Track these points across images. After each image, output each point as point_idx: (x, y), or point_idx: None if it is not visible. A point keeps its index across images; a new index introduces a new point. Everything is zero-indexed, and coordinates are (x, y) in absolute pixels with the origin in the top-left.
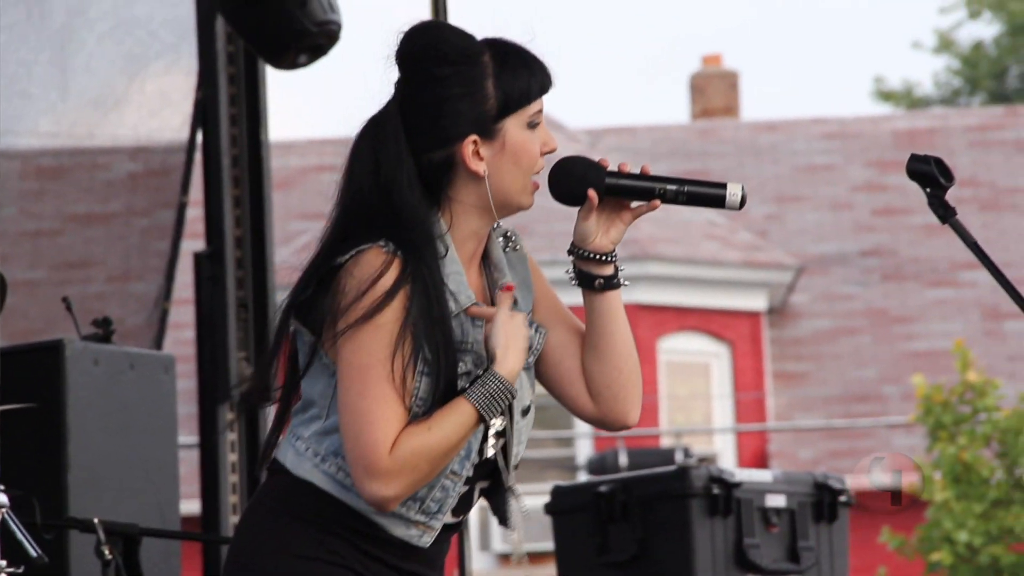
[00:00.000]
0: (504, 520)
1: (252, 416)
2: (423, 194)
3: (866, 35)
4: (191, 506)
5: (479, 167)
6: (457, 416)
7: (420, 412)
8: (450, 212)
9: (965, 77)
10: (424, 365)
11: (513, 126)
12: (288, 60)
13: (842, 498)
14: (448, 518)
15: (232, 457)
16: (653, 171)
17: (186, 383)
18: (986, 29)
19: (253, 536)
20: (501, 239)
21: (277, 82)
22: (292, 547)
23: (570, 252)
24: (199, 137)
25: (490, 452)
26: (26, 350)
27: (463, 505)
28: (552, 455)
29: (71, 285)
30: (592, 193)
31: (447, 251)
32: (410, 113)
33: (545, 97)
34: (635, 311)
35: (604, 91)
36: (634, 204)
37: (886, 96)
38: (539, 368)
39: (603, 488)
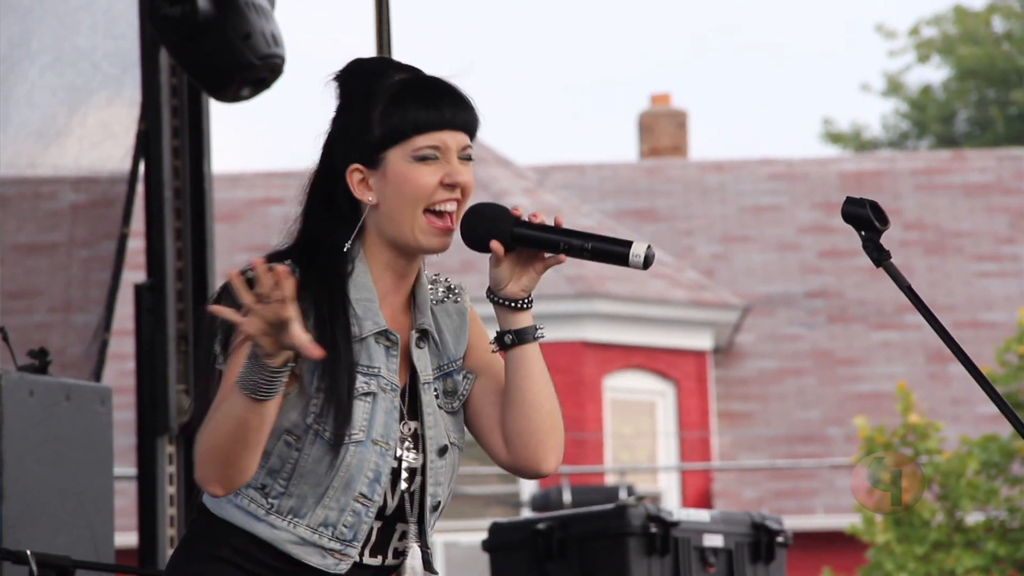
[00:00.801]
0: (426, 565)
1: (190, 448)
2: (341, 220)
3: (815, 77)
4: (130, 538)
5: (365, 196)
6: (231, 392)
7: (320, 428)
8: (366, 240)
9: (913, 120)
10: (319, 381)
11: (396, 157)
12: (231, 93)
13: (779, 538)
14: (368, 558)
15: (170, 490)
16: (597, 211)
17: (126, 414)
18: (935, 73)
19: None
20: (443, 290)
21: (226, 115)
22: None
23: (487, 296)
24: (141, 168)
25: (403, 484)
26: None
27: (381, 544)
28: (495, 491)
29: (13, 315)
30: (495, 245)
31: (352, 273)
32: (326, 142)
33: (468, 133)
34: (581, 348)
35: (552, 128)
36: (547, 255)
37: (835, 138)
38: (466, 416)
39: (541, 525)
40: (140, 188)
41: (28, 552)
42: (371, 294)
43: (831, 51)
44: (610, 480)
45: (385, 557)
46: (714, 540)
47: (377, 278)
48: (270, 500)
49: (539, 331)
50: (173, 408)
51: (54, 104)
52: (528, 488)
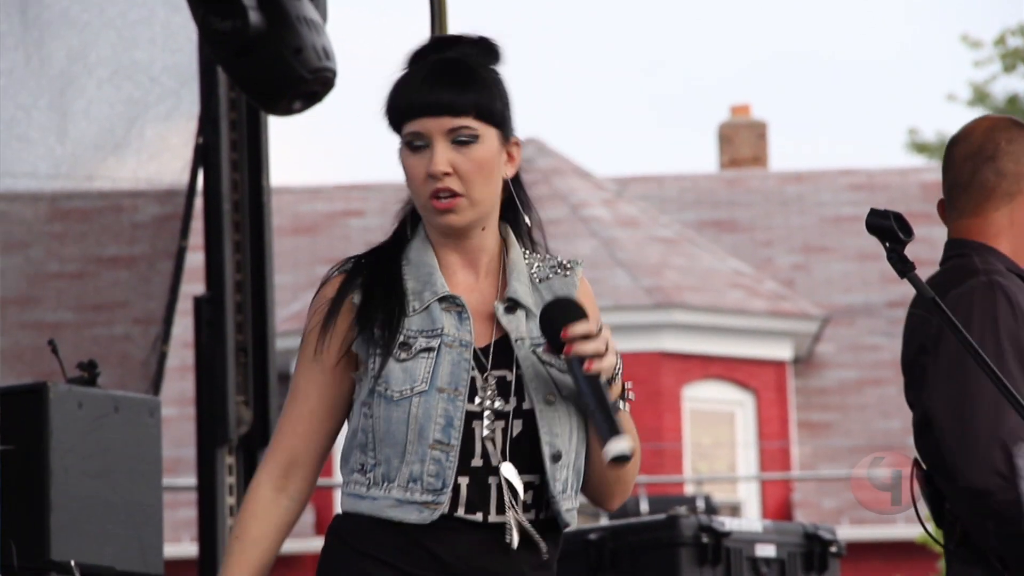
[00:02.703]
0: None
1: (251, 460)
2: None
3: (900, 87)
4: (192, 549)
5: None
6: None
7: (382, 389)
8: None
9: None
10: (372, 349)
11: (400, 143)
12: (283, 107)
13: (832, 548)
14: (495, 516)
15: (230, 500)
16: (677, 222)
17: (191, 426)
18: (1021, 83)
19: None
20: (550, 268)
21: (306, 128)
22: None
23: None
24: (200, 182)
25: (485, 432)
26: (9, 392)
27: (504, 500)
28: None
29: (98, 327)
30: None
31: (409, 251)
32: None
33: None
34: (660, 359)
35: (632, 139)
36: None
37: (920, 148)
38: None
39: (593, 536)
40: (199, 202)
41: (72, 563)
42: (430, 267)
43: (915, 61)
44: (688, 491)
45: (516, 513)
46: (766, 550)
47: (446, 253)
48: (367, 475)
49: (625, 393)
50: (232, 419)
51: (112, 117)
52: None
